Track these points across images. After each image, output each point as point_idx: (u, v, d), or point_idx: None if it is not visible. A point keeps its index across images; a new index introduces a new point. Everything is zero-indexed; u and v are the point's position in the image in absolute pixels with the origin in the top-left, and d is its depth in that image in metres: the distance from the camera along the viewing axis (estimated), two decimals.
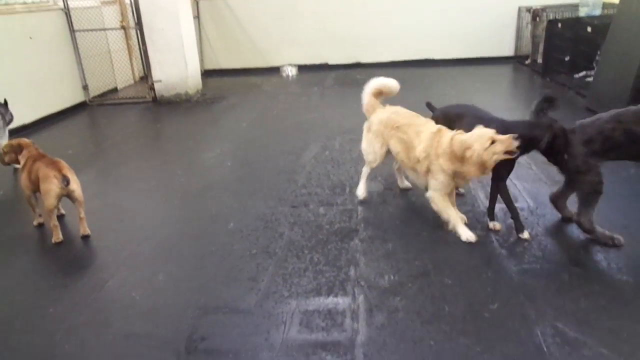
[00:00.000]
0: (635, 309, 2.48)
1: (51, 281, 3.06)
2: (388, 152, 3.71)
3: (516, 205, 3.33)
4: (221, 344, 2.40)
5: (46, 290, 2.95)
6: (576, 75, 7.34)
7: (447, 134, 3.20)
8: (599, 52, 6.44)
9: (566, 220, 3.38)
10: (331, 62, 10.07)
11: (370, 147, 3.76)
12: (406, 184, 4.00)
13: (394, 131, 3.55)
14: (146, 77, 8.19)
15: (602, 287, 2.66)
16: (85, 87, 7.81)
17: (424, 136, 3.30)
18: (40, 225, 3.72)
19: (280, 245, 3.28)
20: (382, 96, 3.87)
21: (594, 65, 6.63)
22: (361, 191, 3.86)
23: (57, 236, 3.47)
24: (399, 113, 3.65)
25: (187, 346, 2.39)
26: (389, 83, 3.83)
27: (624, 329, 2.34)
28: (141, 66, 9.13)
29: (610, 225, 3.19)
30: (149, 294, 2.85)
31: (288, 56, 9.98)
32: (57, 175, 3.36)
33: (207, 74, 9.84)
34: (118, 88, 8.81)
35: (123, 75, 8.97)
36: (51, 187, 3.36)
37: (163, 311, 2.68)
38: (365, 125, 3.83)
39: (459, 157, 3.06)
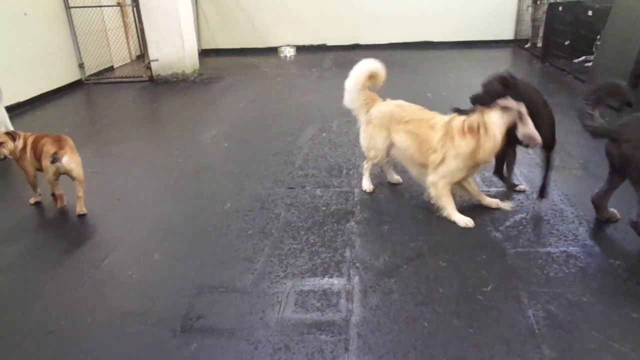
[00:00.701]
0: (627, 293, 2.50)
1: (48, 259, 3.07)
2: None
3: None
4: (217, 323, 2.42)
5: (43, 267, 2.96)
6: (576, 60, 7.31)
7: (459, 118, 3.22)
8: (599, 37, 6.40)
9: (605, 221, 3.16)
10: (330, 43, 9.99)
11: (372, 142, 3.61)
12: (396, 178, 3.87)
13: (402, 125, 3.43)
14: (143, 55, 8.12)
15: (595, 270, 2.69)
16: (81, 65, 7.74)
17: (439, 126, 3.26)
18: (37, 203, 3.72)
19: (277, 226, 3.29)
20: (371, 84, 3.73)
21: (594, 49, 6.60)
22: (367, 185, 3.74)
23: (62, 203, 3.59)
24: (404, 107, 3.55)
25: (183, 324, 2.41)
26: (378, 67, 3.74)
27: (615, 313, 2.37)
28: (138, 45, 9.04)
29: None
30: (145, 272, 2.86)
31: (286, 37, 9.90)
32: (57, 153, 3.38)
33: (204, 53, 9.76)
34: (114, 67, 8.73)
35: (119, 53, 8.88)
36: (48, 164, 3.37)
37: (159, 290, 2.70)
38: (364, 119, 3.69)
39: (475, 132, 3.07)
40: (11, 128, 5.02)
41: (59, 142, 3.47)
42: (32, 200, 3.73)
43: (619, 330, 2.25)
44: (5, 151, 3.52)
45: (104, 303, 2.61)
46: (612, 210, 3.18)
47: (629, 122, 2.81)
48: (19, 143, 3.56)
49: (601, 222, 3.16)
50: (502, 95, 3.07)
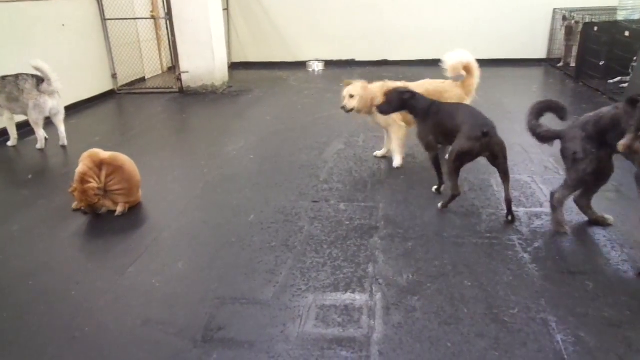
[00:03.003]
0: None
1: (74, 265, 3.12)
2: None
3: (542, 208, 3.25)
4: (238, 334, 2.41)
5: (69, 273, 3.01)
6: (610, 81, 7.15)
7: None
8: (635, 58, 6.25)
9: (595, 223, 3.35)
10: (358, 58, 10.03)
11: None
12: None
13: None
14: (174, 67, 8.28)
15: (628, 297, 2.59)
16: (114, 76, 7.94)
17: None
18: (76, 210, 3.79)
19: (300, 239, 3.28)
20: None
21: (630, 71, 6.45)
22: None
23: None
24: None
25: (204, 335, 2.41)
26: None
27: None
28: (169, 57, 9.24)
29: (638, 235, 3.12)
30: (168, 281, 2.88)
31: (315, 51, 9.98)
32: None
33: (233, 66, 9.90)
34: (146, 77, 8.93)
35: (151, 65, 9.09)
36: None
37: (181, 299, 2.71)
38: None
39: None
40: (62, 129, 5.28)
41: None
42: (73, 206, 3.81)
43: None
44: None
45: (128, 310, 2.64)
46: (603, 215, 3.36)
47: (571, 124, 3.21)
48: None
49: (634, 247, 3.05)
50: (401, 104, 3.77)
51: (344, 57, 10.01)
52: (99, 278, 2.94)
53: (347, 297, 2.66)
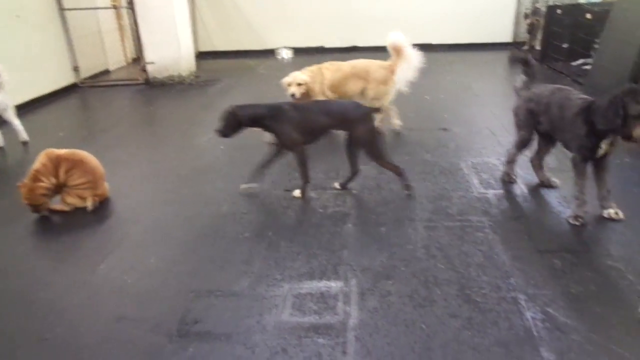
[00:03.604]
0: (625, 295, 2.49)
1: (42, 265, 3.05)
2: None
3: (511, 190, 3.33)
4: (214, 327, 2.40)
5: (37, 274, 2.93)
6: (574, 63, 7.32)
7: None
8: (597, 40, 6.41)
9: (542, 185, 3.75)
10: (327, 45, 9.98)
11: None
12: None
13: None
14: (138, 58, 8.09)
15: (593, 273, 2.68)
16: (75, 69, 7.71)
17: None
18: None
19: (273, 229, 3.27)
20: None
21: (592, 53, 6.60)
22: None
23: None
24: None
25: (179, 329, 2.39)
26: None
27: (613, 315, 2.35)
28: (133, 47, 9.02)
29: (596, 204, 3.22)
30: (141, 277, 2.84)
31: (283, 39, 9.89)
32: None
33: (200, 55, 9.73)
34: (110, 70, 8.70)
35: (115, 56, 8.86)
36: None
37: (155, 294, 2.68)
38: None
39: None
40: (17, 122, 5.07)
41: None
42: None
43: (618, 332, 2.24)
44: None
45: (100, 309, 2.59)
46: (549, 178, 3.73)
47: (528, 92, 3.58)
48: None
49: (598, 225, 3.15)
50: (238, 124, 3.48)
51: (313, 44, 9.95)
52: (68, 277, 2.87)
53: (322, 285, 2.68)
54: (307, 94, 4.65)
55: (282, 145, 3.63)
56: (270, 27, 9.93)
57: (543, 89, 3.48)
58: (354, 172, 3.77)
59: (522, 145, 3.68)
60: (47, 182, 3.52)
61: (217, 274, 2.82)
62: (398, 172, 3.64)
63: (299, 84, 4.56)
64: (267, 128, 3.57)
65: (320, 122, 3.55)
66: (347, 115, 3.50)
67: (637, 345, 2.17)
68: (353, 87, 4.89)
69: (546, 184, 3.73)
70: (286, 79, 4.63)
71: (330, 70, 4.88)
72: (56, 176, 3.57)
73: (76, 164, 3.63)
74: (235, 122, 3.46)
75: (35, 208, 3.55)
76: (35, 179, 3.48)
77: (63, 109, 6.79)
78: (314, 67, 4.88)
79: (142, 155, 4.86)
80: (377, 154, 3.58)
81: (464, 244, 3.01)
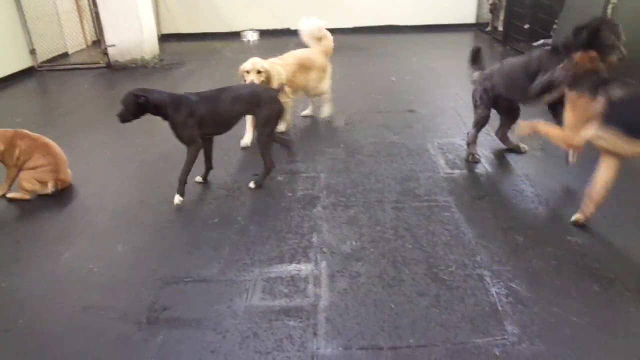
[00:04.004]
0: (584, 268, 2.60)
1: (3, 255, 2.95)
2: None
3: (476, 169, 3.40)
4: (184, 313, 2.38)
5: None
6: (535, 44, 7.45)
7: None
8: (556, 21, 6.54)
9: (511, 150, 4.04)
10: (293, 27, 9.80)
11: None
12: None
13: None
14: (99, 41, 7.83)
15: (554, 248, 2.77)
16: (32, 52, 7.40)
17: None
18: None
19: (242, 214, 3.25)
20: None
21: (552, 33, 6.74)
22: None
23: None
24: None
25: (148, 317, 2.36)
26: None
27: (573, 288, 2.45)
28: (93, 29, 8.71)
29: (562, 190, 3.33)
30: (107, 265, 2.79)
31: (249, 21, 9.72)
32: None
33: (164, 38, 9.48)
34: (69, 53, 8.39)
35: (74, 39, 8.54)
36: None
37: (123, 282, 2.64)
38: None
39: None
40: None
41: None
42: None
43: (577, 305, 2.34)
44: None
45: (65, 298, 2.53)
46: (518, 144, 4.02)
47: (484, 72, 3.85)
48: None
49: (559, 201, 3.26)
50: (140, 109, 3.31)
51: (279, 26, 9.82)
52: (31, 267, 2.80)
53: (292, 268, 2.69)
54: (267, 84, 4.12)
55: (178, 138, 3.41)
56: (235, 9, 9.74)
57: (493, 66, 3.84)
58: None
59: (480, 124, 3.86)
60: None
61: (186, 260, 2.80)
62: (269, 168, 3.61)
63: (259, 72, 4.02)
64: (167, 117, 3.35)
65: (233, 110, 3.42)
66: (258, 98, 3.41)
67: (596, 316, 2.27)
68: (302, 78, 4.60)
69: (516, 150, 4.03)
70: (244, 65, 4.10)
71: (281, 65, 4.42)
72: (10, 157, 3.48)
73: (35, 145, 3.53)
74: (136, 107, 3.27)
75: None
76: None
77: (20, 94, 6.52)
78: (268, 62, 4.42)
79: (105, 140, 4.73)
80: (269, 139, 3.54)
81: (431, 223, 3.06)
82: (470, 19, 9.81)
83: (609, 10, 5.10)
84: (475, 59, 4.03)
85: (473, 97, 3.87)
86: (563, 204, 3.23)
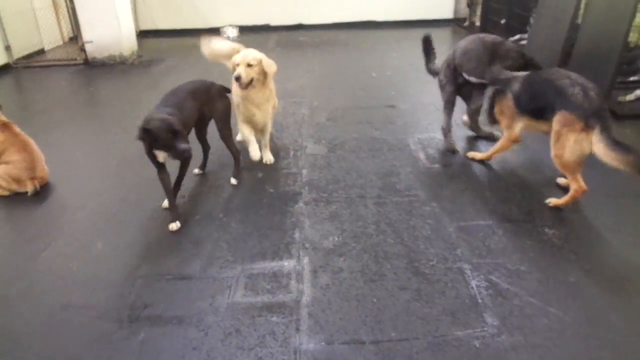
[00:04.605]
0: (561, 260, 2.65)
1: None
2: None
3: (455, 163, 3.43)
4: (165, 311, 2.37)
5: None
6: (511, 38, 7.54)
7: None
8: (532, 16, 6.63)
9: (484, 137, 4.18)
10: (273, 23, 9.83)
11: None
12: None
13: None
14: (76, 37, 7.69)
15: (532, 240, 2.83)
16: (7, 48, 7.24)
17: None
18: None
19: (224, 210, 3.24)
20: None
21: (528, 28, 6.83)
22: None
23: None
24: None
25: (129, 315, 2.35)
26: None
27: (550, 279, 2.50)
28: (70, 25, 8.55)
29: (544, 183, 3.39)
30: (87, 263, 2.76)
31: (229, 17, 9.64)
32: None
33: (142, 34, 9.36)
34: (45, 49, 8.21)
35: (50, 35, 8.36)
36: None
37: (103, 280, 2.61)
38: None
39: None
40: None
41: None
42: None
43: (555, 296, 2.39)
44: None
45: (44, 297, 2.50)
46: (492, 131, 4.13)
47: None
48: None
49: (537, 193, 3.32)
50: None
51: (259, 22, 9.77)
52: (9, 266, 2.75)
53: (275, 264, 2.69)
54: (260, 80, 3.65)
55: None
56: (214, 5, 9.65)
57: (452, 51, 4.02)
58: (207, 150, 3.80)
59: (450, 103, 4.00)
60: None
61: (167, 257, 2.78)
62: (237, 157, 3.64)
63: (249, 65, 3.54)
64: None
65: (193, 109, 3.28)
66: (210, 93, 3.44)
67: (573, 306, 2.32)
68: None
69: (490, 137, 4.14)
70: (235, 58, 3.66)
71: None
72: None
73: (15, 141, 3.52)
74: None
75: None
76: None
77: None
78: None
79: (83, 138, 4.66)
80: (229, 132, 3.56)
81: (412, 218, 3.09)
82: (449, 14, 9.89)
83: (582, 5, 5.19)
84: (427, 48, 4.33)
85: (439, 79, 4.04)
86: (541, 196, 3.29)
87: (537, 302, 2.35)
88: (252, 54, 3.64)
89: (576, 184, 3.03)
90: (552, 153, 3.05)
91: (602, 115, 2.85)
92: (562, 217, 3.05)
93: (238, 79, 3.53)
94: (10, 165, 3.42)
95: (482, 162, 3.80)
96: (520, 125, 3.38)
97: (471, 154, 3.86)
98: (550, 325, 2.22)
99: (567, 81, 3.01)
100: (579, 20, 5.27)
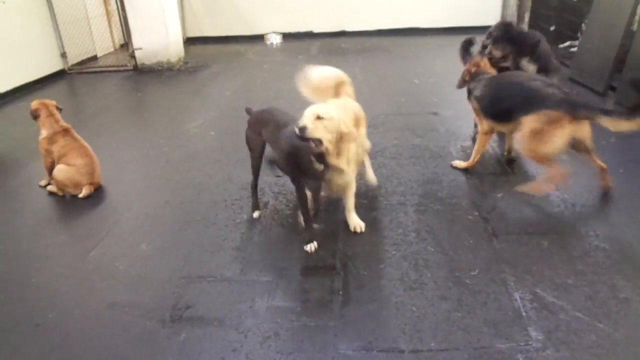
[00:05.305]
0: (610, 275, 2.54)
1: (33, 252, 3.03)
2: None
3: (498, 172, 3.35)
4: (206, 312, 2.42)
5: (28, 261, 2.93)
6: (561, 46, 7.32)
7: None
8: (584, 22, 6.42)
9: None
10: (316, 30, 9.91)
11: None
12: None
13: None
14: (126, 44, 7.99)
15: (580, 253, 2.72)
16: (63, 55, 7.60)
17: None
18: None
19: (265, 215, 3.28)
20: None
21: (579, 35, 6.62)
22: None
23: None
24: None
25: (171, 314, 2.40)
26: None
27: (599, 294, 2.40)
28: (121, 33, 8.89)
29: (590, 194, 3.27)
30: (132, 263, 2.84)
31: (272, 24, 9.79)
32: None
33: (189, 41, 9.62)
34: (98, 56, 8.58)
35: (102, 42, 8.73)
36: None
37: (147, 280, 2.69)
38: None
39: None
40: None
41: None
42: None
43: (604, 311, 2.29)
44: None
45: (92, 295, 2.59)
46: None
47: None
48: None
49: (584, 205, 3.20)
50: None
51: (302, 29, 9.87)
52: (59, 264, 2.87)
53: (314, 270, 2.70)
54: (336, 143, 2.67)
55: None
56: (258, 12, 9.82)
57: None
58: None
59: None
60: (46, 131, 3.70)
61: (208, 259, 2.83)
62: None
63: (319, 117, 2.58)
64: None
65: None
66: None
67: (623, 323, 2.22)
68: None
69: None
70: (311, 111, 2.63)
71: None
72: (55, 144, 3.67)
73: (75, 146, 3.69)
74: None
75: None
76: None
77: (51, 96, 6.61)
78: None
79: (131, 141, 4.83)
80: None
81: (454, 226, 3.04)
82: (495, 20, 9.69)
83: (638, 12, 4.98)
84: (464, 55, 4.29)
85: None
86: (589, 208, 3.17)
87: (584, 317, 2.26)
88: (320, 108, 2.66)
89: (555, 171, 3.21)
90: (526, 149, 3.20)
91: (584, 104, 3.12)
92: (613, 229, 2.93)
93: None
94: (73, 169, 3.57)
95: (466, 170, 3.74)
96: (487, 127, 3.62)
97: (456, 163, 3.81)
98: (598, 342, 2.12)
99: (539, 83, 3.23)
100: (634, 27, 5.07)
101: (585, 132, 3.11)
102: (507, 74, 3.80)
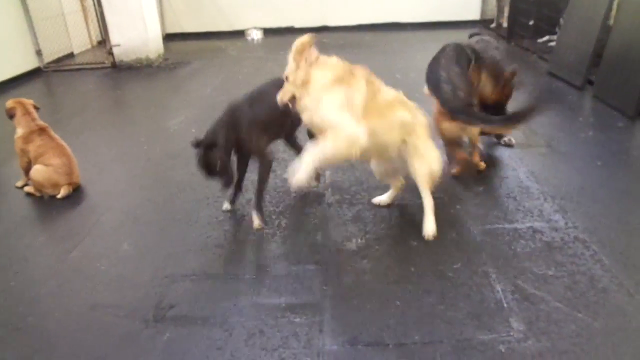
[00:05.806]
0: (589, 265, 2.59)
1: (11, 255, 2.97)
2: None
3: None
4: (190, 311, 2.40)
5: (6, 264, 2.87)
6: (540, 40, 7.42)
7: None
8: (562, 17, 6.51)
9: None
10: (297, 25, 9.86)
11: None
12: None
13: None
14: (104, 41, 7.87)
15: (559, 244, 2.77)
16: (38, 52, 7.44)
17: None
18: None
19: (248, 211, 3.26)
20: None
21: (557, 29, 6.71)
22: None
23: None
24: None
25: (155, 314, 2.38)
26: None
27: (578, 284, 2.45)
28: (98, 29, 8.76)
29: (567, 186, 3.33)
30: (114, 263, 2.81)
31: (253, 19, 9.72)
32: None
33: (168, 37, 9.51)
34: (74, 53, 8.43)
35: (79, 39, 8.58)
36: None
37: (129, 280, 2.66)
38: None
39: None
40: None
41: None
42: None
43: (582, 301, 2.33)
44: None
45: (73, 296, 2.56)
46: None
47: None
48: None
49: (564, 198, 3.25)
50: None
51: (283, 25, 9.82)
52: (39, 266, 2.83)
53: (298, 265, 2.70)
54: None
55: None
56: (239, 7, 9.75)
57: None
58: None
59: None
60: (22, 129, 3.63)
61: (192, 258, 2.82)
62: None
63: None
64: None
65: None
66: None
67: (602, 313, 2.26)
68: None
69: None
70: None
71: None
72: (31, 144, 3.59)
73: (52, 145, 3.61)
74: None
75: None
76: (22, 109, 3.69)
77: (26, 95, 6.48)
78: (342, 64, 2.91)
79: (111, 140, 4.76)
80: None
81: (437, 220, 3.05)
82: (475, 15, 9.77)
83: (614, 6, 5.07)
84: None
85: None
86: (568, 201, 3.22)
87: (564, 308, 2.30)
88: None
89: (458, 155, 3.53)
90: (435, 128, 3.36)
91: (463, 111, 3.30)
92: (591, 221, 2.98)
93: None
94: (51, 169, 3.50)
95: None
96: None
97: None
98: (578, 332, 2.16)
99: (443, 74, 3.52)
100: (611, 21, 5.15)
101: (471, 129, 3.47)
102: (439, 56, 3.95)
